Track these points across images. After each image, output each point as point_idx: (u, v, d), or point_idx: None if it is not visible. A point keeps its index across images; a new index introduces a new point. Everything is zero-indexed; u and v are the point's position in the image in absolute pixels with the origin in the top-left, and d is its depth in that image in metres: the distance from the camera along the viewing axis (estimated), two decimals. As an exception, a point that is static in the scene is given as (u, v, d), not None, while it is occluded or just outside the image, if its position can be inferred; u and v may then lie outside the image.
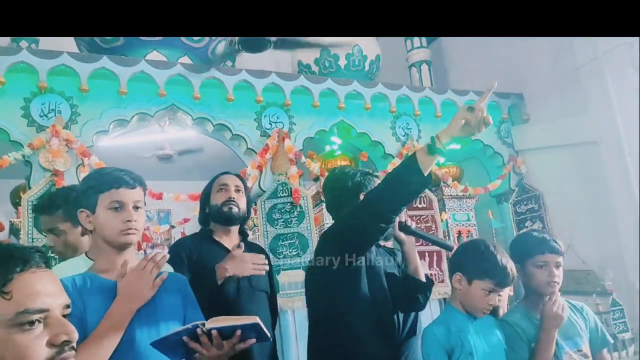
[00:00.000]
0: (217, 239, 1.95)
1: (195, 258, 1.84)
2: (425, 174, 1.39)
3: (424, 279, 1.76)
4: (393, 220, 1.50)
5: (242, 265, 1.80)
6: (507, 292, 1.87)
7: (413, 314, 1.79)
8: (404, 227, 1.73)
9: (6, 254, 0.75)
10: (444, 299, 3.72)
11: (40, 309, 0.73)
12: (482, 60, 4.35)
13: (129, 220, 1.26)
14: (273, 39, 3.08)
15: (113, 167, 1.32)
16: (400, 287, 1.73)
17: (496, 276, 1.54)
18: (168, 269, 1.44)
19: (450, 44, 4.83)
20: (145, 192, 1.34)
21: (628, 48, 3.24)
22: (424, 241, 3.61)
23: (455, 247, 1.75)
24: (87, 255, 1.33)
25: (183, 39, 3.52)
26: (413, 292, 1.73)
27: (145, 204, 1.33)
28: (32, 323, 0.72)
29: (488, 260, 1.56)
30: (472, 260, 1.59)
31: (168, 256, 1.29)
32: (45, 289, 0.75)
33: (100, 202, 1.27)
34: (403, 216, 1.74)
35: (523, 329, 1.64)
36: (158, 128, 3.45)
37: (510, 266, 1.57)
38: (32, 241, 2.64)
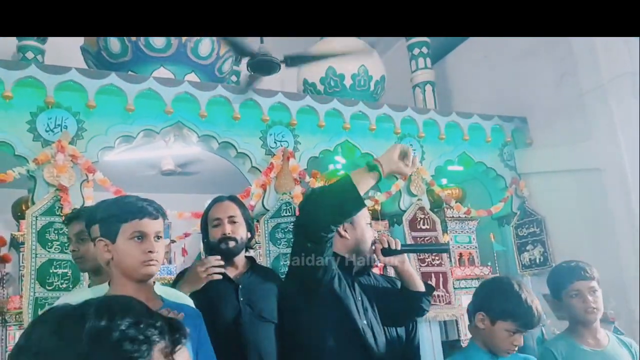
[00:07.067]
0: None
1: (197, 293, 1.74)
2: (362, 194, 1.46)
3: (421, 288, 1.81)
4: (324, 239, 1.50)
5: (195, 276, 1.72)
6: None
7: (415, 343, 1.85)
8: (387, 252, 1.72)
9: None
10: (445, 322, 3.71)
11: None
12: (486, 83, 4.38)
13: (150, 251, 1.25)
14: (282, 58, 3.10)
15: (135, 197, 1.31)
16: (397, 302, 1.80)
17: (521, 317, 1.48)
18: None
19: (454, 65, 4.85)
20: (165, 222, 1.33)
21: (632, 77, 3.27)
22: (422, 254, 3.58)
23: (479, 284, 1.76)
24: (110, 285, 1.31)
25: (191, 55, 3.53)
26: (412, 303, 1.80)
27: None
28: None
29: (512, 301, 1.49)
30: (495, 300, 1.52)
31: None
32: None
33: (122, 231, 1.25)
34: (386, 241, 1.73)
35: (565, 357, 1.63)
36: (162, 144, 3.45)
37: (536, 305, 1.49)
38: (36, 256, 2.63)
